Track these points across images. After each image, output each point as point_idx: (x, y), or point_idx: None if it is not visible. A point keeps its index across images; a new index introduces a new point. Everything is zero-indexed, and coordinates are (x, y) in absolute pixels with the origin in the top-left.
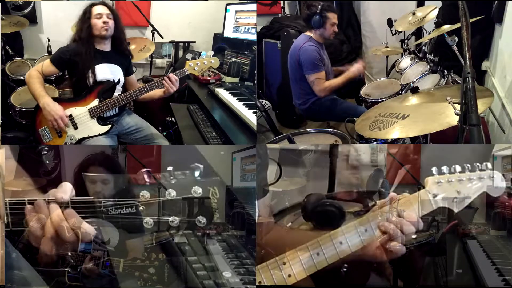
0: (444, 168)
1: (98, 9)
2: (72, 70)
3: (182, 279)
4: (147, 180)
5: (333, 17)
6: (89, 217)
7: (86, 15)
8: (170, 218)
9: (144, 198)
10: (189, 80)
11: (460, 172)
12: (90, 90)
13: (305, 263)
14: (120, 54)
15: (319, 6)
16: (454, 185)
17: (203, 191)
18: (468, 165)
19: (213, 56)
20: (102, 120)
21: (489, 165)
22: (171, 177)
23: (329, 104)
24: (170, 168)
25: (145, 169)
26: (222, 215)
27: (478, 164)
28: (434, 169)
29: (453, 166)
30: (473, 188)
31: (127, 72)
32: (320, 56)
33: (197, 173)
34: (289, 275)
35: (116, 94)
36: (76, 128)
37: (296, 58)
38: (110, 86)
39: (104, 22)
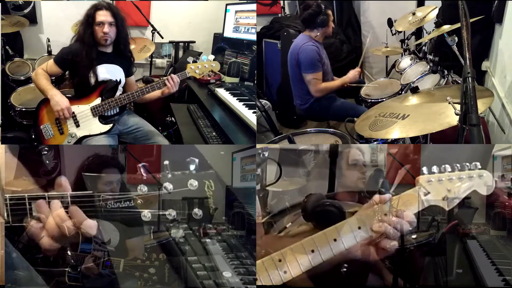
0: (435, 168)
1: (101, 16)
2: (74, 70)
3: (182, 279)
4: (144, 174)
5: (331, 14)
6: (89, 212)
7: (89, 20)
8: (168, 211)
9: (141, 192)
10: (189, 80)
11: (450, 172)
12: (93, 89)
13: (300, 260)
14: (122, 56)
15: (322, 6)
16: (444, 184)
17: (198, 184)
18: (458, 164)
19: (213, 60)
20: (103, 119)
21: (478, 165)
22: (167, 172)
23: (329, 104)
24: (166, 162)
25: (141, 164)
26: (221, 213)
27: (467, 163)
28: (424, 169)
29: (443, 165)
30: (463, 186)
31: (128, 73)
32: (319, 56)
33: (192, 167)
34: (285, 272)
35: (117, 94)
36: (78, 125)
37: (295, 57)
38: (112, 85)
39: (104, 33)
